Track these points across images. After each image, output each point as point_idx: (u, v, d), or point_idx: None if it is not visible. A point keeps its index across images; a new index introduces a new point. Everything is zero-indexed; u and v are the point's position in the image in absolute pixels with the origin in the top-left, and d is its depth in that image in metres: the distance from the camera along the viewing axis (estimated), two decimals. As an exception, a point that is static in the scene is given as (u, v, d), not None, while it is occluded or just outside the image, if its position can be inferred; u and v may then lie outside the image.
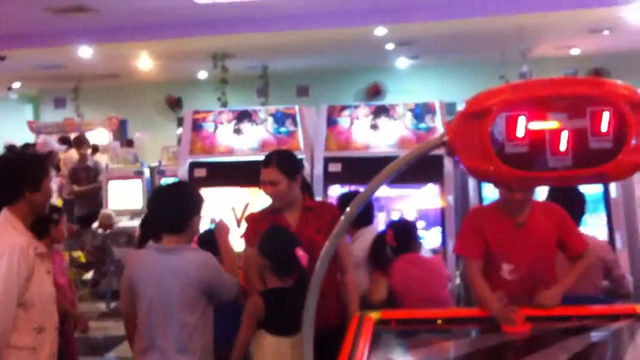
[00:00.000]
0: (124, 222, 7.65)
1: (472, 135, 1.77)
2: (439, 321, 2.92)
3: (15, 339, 2.69)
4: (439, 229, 4.77)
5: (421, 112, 5.02)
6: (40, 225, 3.19)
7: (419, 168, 4.04)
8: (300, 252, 3.04)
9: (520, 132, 1.71)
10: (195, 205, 3.09)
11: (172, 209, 3.02)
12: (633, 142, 1.68)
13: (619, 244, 4.31)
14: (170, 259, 2.96)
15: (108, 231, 7.45)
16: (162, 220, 3.05)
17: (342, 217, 1.93)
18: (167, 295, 2.92)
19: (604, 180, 1.75)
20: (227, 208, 5.08)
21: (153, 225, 3.15)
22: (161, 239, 3.05)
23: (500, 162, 1.72)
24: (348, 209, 1.88)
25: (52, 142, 6.80)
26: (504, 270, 3.13)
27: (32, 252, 2.76)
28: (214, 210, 5.06)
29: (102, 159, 10.70)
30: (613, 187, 4.43)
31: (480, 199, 4.68)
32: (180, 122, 14.62)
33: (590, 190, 4.30)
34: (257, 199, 4.56)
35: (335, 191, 4.93)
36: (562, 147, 1.69)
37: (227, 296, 3.08)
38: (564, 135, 1.69)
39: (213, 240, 4.12)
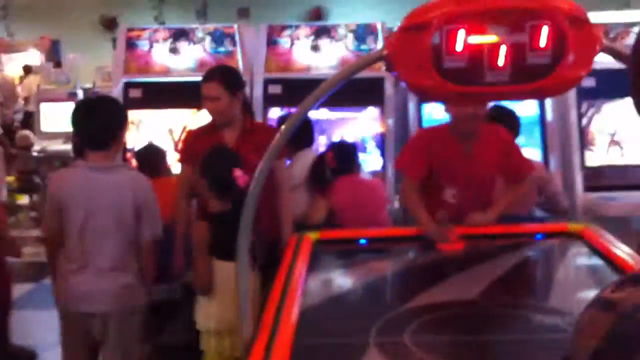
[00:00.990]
0: (57, 146, 7.44)
1: (412, 49, 1.74)
2: (378, 240, 2.94)
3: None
4: (378, 152, 4.79)
5: (363, 33, 4.95)
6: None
7: (360, 91, 4.02)
8: (238, 173, 2.95)
9: (459, 46, 1.68)
10: (120, 120, 2.95)
11: (95, 124, 2.88)
12: (570, 57, 1.68)
13: (552, 166, 4.40)
14: (103, 177, 2.85)
15: (42, 154, 7.25)
16: (87, 137, 2.92)
17: (277, 135, 1.89)
18: (101, 214, 2.83)
19: (541, 95, 1.76)
20: (164, 130, 4.96)
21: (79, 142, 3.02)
22: (86, 157, 2.91)
23: (438, 77, 1.70)
24: (283, 126, 1.84)
25: None
26: (447, 194, 3.13)
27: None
28: (150, 132, 4.94)
29: (34, 80, 10.29)
30: (549, 110, 4.48)
31: (420, 123, 4.68)
32: (115, 43, 14.14)
33: (526, 113, 4.35)
34: (195, 121, 4.47)
35: (275, 113, 4.86)
36: (501, 61, 1.68)
37: (148, 228, 2.88)
38: (503, 50, 1.68)
39: (150, 159, 4.04)
